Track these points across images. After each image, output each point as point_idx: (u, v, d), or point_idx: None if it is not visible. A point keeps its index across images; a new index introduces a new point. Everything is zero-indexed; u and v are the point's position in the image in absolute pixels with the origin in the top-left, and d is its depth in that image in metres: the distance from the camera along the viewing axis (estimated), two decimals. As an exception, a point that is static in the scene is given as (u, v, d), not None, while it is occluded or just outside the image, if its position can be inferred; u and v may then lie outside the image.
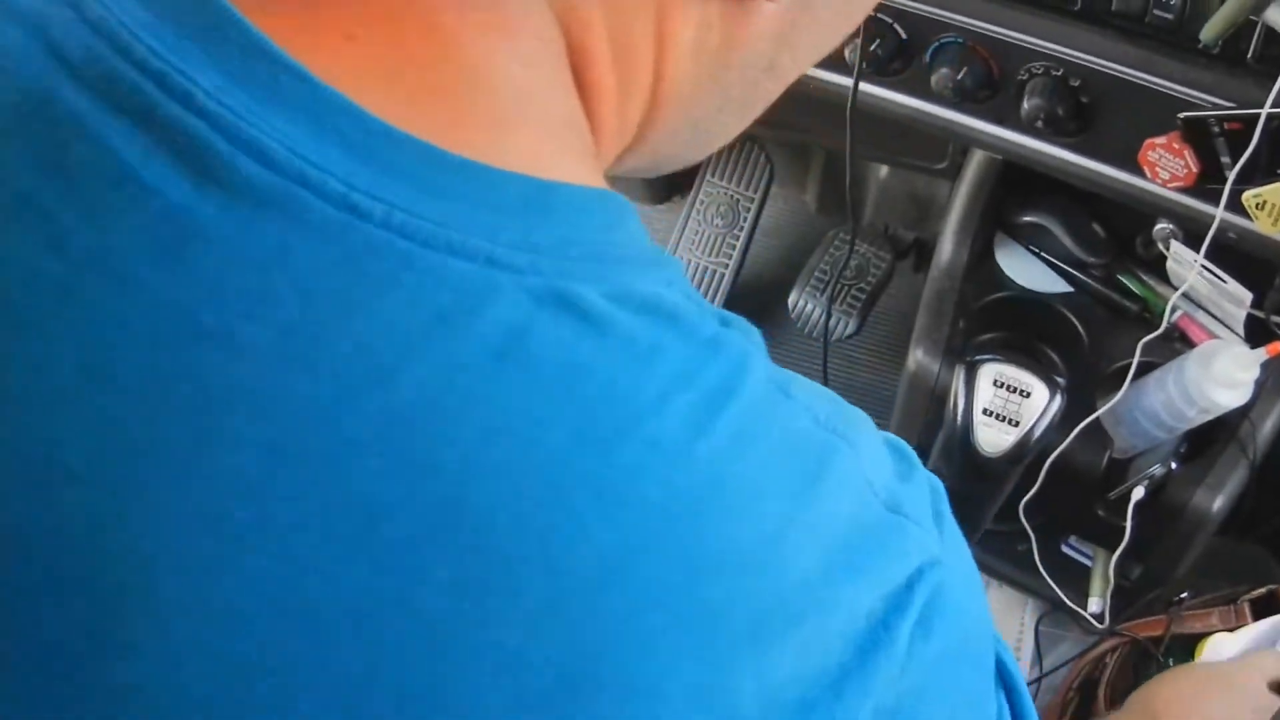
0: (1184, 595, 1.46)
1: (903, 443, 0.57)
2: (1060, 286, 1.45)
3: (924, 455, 1.21)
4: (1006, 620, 1.74)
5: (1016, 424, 1.01)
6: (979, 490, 1.13)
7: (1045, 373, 1.02)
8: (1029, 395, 1.02)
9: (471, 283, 0.42)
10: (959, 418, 1.03)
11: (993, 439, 1.02)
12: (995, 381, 1.02)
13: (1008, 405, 1.02)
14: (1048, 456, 1.24)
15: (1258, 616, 1.39)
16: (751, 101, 0.59)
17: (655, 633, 0.42)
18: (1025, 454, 1.01)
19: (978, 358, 1.03)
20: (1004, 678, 0.61)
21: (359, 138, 0.42)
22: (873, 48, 1.27)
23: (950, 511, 0.57)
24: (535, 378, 0.42)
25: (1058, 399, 1.02)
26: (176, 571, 0.39)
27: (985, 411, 1.02)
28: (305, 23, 0.43)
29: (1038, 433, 1.01)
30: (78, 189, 0.41)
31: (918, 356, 1.42)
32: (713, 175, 2.20)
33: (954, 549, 0.55)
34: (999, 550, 1.66)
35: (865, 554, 0.48)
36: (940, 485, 0.57)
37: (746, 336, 0.49)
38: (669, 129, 0.55)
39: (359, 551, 0.40)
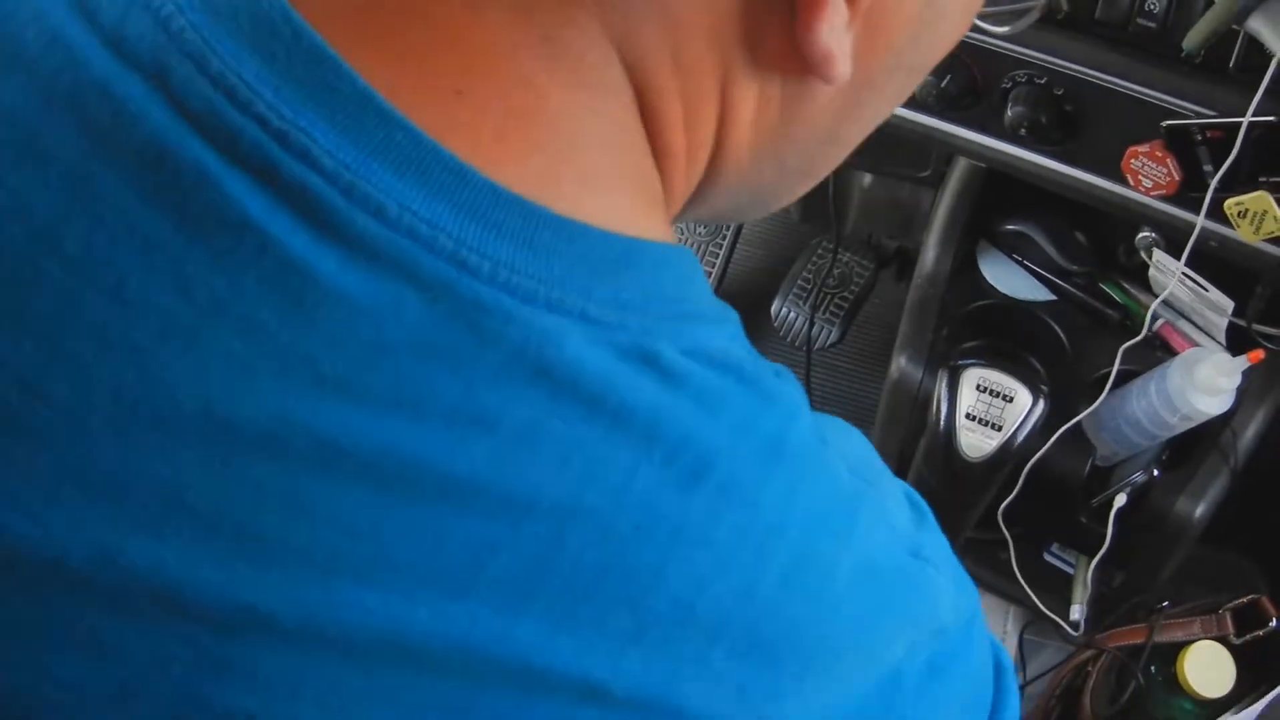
0: (1165, 604, 1.46)
1: (913, 490, 0.60)
2: (1043, 294, 1.45)
3: (907, 462, 1.21)
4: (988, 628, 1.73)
5: (999, 428, 1.02)
6: (961, 495, 1.14)
7: (1028, 377, 1.02)
8: (1012, 400, 1.02)
9: (567, 338, 0.44)
10: (942, 422, 1.03)
11: (976, 443, 1.02)
12: (978, 386, 1.02)
13: (991, 410, 1.02)
14: (1028, 462, 1.24)
15: (1239, 625, 1.40)
16: (813, 169, 0.61)
17: (719, 667, 0.45)
18: (1008, 458, 1.02)
19: (961, 362, 1.03)
20: (998, 680, 0.64)
21: (466, 195, 0.43)
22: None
23: (953, 553, 0.60)
24: (622, 427, 0.44)
25: (1041, 403, 1.02)
26: (295, 604, 0.41)
27: (968, 416, 1.02)
28: (418, 79, 0.44)
29: (1020, 437, 1.01)
30: (203, 237, 0.42)
31: (901, 364, 1.42)
32: (696, 184, 2.20)
33: (965, 589, 0.58)
34: (981, 557, 1.67)
35: (892, 596, 0.52)
36: (943, 535, 0.60)
37: (793, 386, 0.52)
38: (728, 192, 0.57)
39: (466, 588, 0.42)
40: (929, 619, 0.54)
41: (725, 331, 0.51)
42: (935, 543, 0.57)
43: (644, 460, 0.44)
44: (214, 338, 0.42)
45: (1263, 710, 1.33)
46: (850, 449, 0.54)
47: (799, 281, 2.08)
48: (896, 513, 0.55)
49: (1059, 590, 1.50)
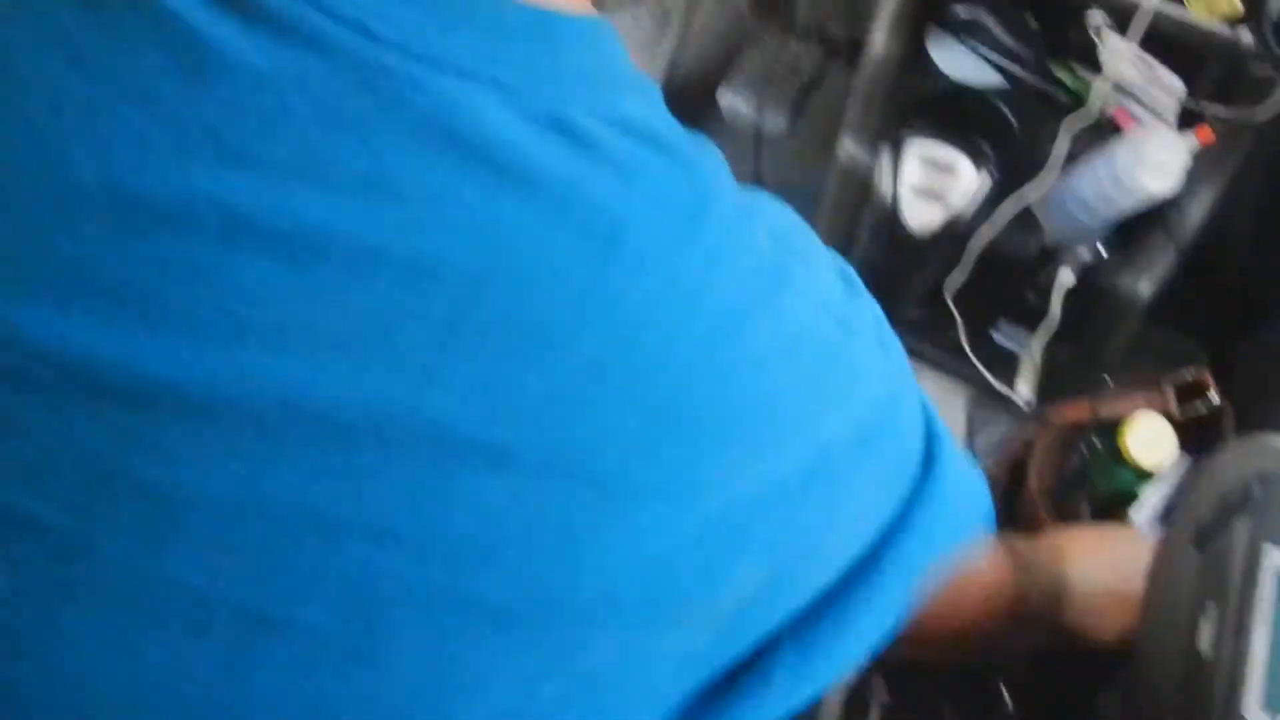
0: (1109, 379, 1.49)
1: (847, 265, 0.60)
2: (994, 79, 1.45)
3: (853, 242, 1.22)
4: (937, 406, 1.76)
5: (944, 200, 1.02)
6: (908, 270, 1.15)
7: (971, 150, 1.02)
8: (956, 171, 1.02)
9: (477, 105, 0.43)
10: (887, 196, 1.04)
11: (921, 217, 1.03)
12: (922, 158, 1.03)
13: (935, 181, 1.02)
14: (977, 241, 1.25)
15: (1181, 399, 1.43)
16: None
17: (636, 433, 0.45)
18: (955, 232, 1.03)
19: (904, 135, 1.03)
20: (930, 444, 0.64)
21: None
22: None
23: (888, 333, 0.61)
24: (534, 194, 0.44)
25: (985, 175, 1.02)
26: (202, 375, 0.41)
27: (913, 189, 1.03)
28: None
29: (967, 210, 1.02)
30: (96, 11, 0.41)
31: (848, 147, 1.42)
32: (643, -25, 2.17)
33: (892, 354, 0.59)
34: (929, 337, 1.69)
35: (817, 366, 0.52)
36: (876, 306, 0.60)
37: (715, 159, 0.52)
38: None
39: (374, 355, 0.42)
40: (857, 390, 0.55)
41: (644, 101, 0.51)
42: (864, 312, 0.57)
43: (555, 227, 0.44)
44: (111, 111, 0.41)
45: (1181, 479, 1.38)
46: (776, 221, 0.54)
47: (747, 72, 2.06)
48: (825, 283, 0.55)
49: (1008, 368, 1.52)
